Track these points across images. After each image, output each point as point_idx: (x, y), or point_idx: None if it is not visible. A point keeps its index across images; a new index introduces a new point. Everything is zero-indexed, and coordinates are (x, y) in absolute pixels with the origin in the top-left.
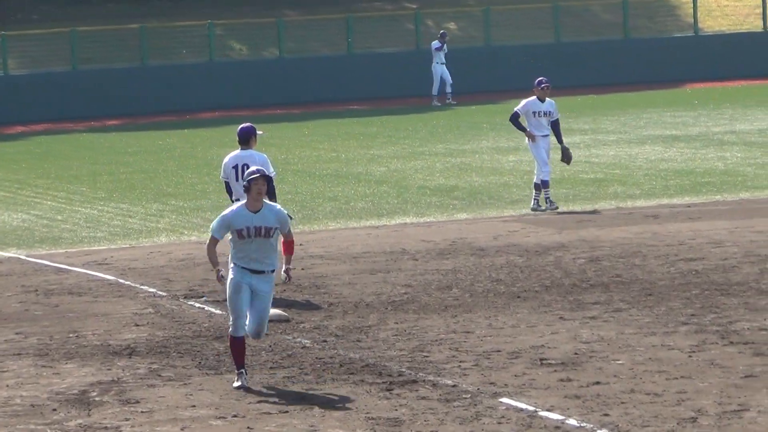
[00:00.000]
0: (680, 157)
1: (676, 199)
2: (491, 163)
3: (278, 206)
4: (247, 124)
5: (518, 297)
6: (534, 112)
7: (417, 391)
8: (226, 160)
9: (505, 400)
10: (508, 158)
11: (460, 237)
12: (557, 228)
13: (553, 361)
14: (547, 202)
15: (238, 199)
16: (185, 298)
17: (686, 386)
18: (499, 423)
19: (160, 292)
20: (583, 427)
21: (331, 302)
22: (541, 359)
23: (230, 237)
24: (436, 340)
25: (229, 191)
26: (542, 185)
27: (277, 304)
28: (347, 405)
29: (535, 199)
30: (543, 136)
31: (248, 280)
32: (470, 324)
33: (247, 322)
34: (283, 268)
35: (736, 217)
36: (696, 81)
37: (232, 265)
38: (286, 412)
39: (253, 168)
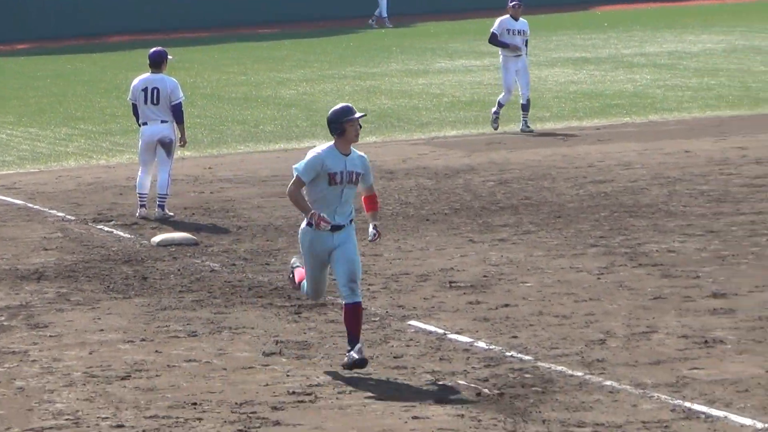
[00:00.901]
0: (590, 79)
1: (585, 121)
2: (401, 86)
3: (360, 152)
4: (159, 47)
5: (427, 220)
6: (508, 30)
7: (325, 314)
8: (135, 82)
9: (413, 322)
10: (418, 81)
11: (369, 160)
12: (467, 151)
13: (461, 284)
14: (493, 120)
15: (145, 123)
16: (94, 222)
17: (594, 308)
18: (408, 346)
19: (69, 216)
20: (492, 349)
21: (240, 226)
22: (449, 282)
23: (305, 187)
24: None
25: (136, 114)
26: (497, 105)
27: (185, 227)
28: (256, 328)
29: (523, 120)
30: (515, 56)
31: (327, 245)
32: (379, 247)
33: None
34: (371, 224)
35: (644, 139)
36: (606, 3)
37: (303, 226)
38: (195, 335)
39: (343, 105)
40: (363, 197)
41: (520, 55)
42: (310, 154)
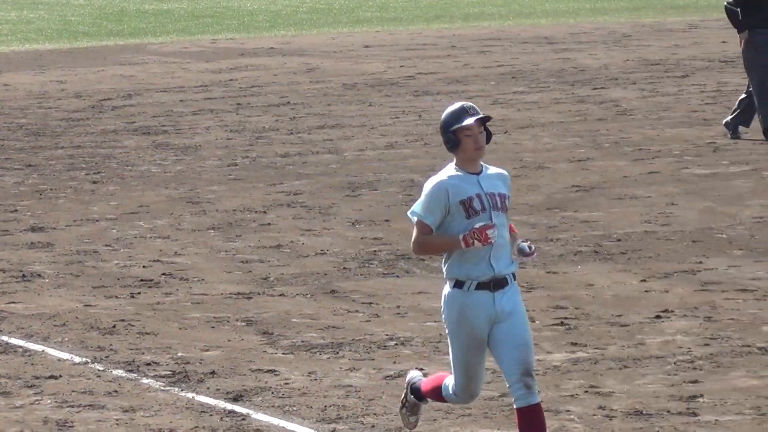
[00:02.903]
0: None
1: None
2: None
3: (497, 168)
4: None
5: None
6: None
7: None
8: None
9: None
10: None
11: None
12: None
13: None
14: None
15: None
16: None
17: None
18: None
19: None
20: None
21: None
22: None
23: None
24: None
25: None
26: None
27: None
28: None
29: None
30: None
31: (487, 312)
32: None
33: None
34: (520, 241)
35: None
36: None
37: (448, 289)
38: None
39: (454, 107)
40: None
41: None
42: (428, 186)
